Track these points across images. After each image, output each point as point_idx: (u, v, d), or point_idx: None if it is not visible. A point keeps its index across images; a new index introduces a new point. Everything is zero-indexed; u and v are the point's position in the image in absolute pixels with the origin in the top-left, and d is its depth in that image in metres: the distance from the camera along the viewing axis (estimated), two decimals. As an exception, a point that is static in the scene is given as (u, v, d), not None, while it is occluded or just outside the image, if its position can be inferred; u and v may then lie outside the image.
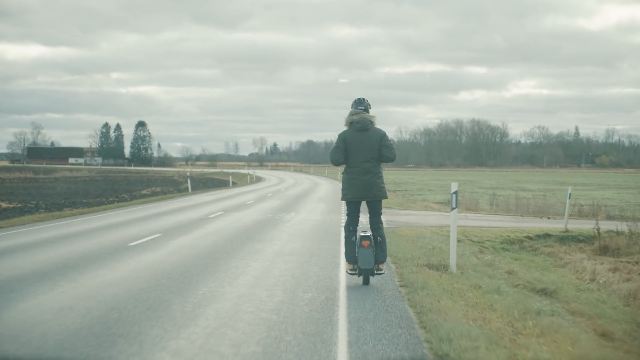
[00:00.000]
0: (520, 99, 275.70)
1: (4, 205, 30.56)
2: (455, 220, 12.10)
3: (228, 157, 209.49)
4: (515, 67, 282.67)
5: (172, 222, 21.17)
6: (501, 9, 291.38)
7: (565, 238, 20.59)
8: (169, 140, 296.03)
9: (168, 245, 15.34)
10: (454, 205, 11.99)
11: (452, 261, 12.21)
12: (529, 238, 20.33)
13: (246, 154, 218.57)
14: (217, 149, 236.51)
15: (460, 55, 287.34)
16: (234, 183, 60.36)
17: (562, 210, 32.85)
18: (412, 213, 27.76)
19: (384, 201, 10.62)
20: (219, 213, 24.86)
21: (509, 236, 20.38)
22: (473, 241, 19.01)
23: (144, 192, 44.78)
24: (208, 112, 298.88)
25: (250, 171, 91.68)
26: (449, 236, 12.92)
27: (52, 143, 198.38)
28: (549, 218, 27.21)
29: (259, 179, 77.19)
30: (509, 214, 29.40)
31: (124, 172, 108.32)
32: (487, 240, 19.46)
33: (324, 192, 44.97)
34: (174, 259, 13.20)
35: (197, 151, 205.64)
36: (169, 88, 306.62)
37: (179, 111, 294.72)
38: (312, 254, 13.94)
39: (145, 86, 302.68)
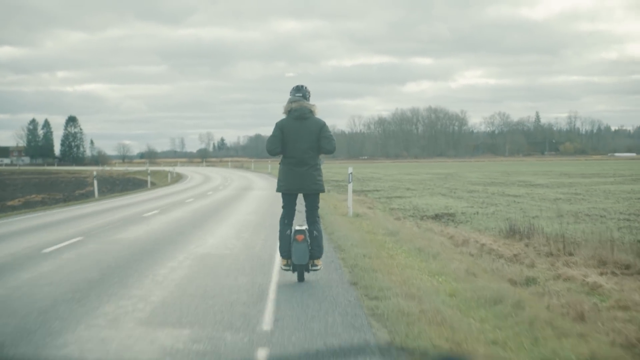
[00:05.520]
0: (467, 89, 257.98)
1: None
2: None
3: (174, 154, 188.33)
4: (461, 57, 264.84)
5: None
6: (445, 0, 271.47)
7: None
8: (117, 138, 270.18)
9: None
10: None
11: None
12: None
13: (194, 150, 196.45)
14: (165, 145, 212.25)
15: (406, 46, 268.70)
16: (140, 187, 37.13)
17: None
18: None
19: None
20: None
21: None
22: None
23: (11, 202, 32.96)
24: (156, 109, 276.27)
25: (170, 168, 69.62)
26: None
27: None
28: None
29: (179, 178, 56.03)
30: None
31: (31, 174, 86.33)
32: None
33: (242, 214, 20.96)
34: None
35: (144, 149, 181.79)
36: (116, 86, 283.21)
37: (127, 109, 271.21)
38: None
39: (92, 84, 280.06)
